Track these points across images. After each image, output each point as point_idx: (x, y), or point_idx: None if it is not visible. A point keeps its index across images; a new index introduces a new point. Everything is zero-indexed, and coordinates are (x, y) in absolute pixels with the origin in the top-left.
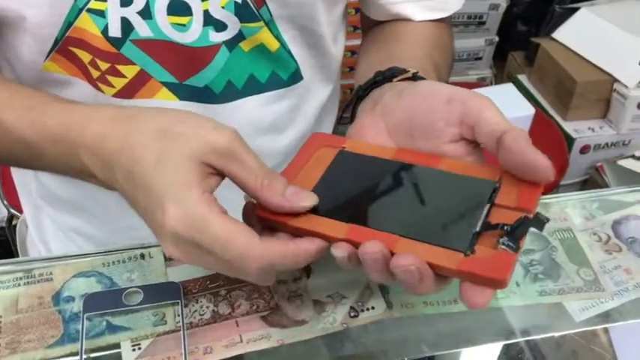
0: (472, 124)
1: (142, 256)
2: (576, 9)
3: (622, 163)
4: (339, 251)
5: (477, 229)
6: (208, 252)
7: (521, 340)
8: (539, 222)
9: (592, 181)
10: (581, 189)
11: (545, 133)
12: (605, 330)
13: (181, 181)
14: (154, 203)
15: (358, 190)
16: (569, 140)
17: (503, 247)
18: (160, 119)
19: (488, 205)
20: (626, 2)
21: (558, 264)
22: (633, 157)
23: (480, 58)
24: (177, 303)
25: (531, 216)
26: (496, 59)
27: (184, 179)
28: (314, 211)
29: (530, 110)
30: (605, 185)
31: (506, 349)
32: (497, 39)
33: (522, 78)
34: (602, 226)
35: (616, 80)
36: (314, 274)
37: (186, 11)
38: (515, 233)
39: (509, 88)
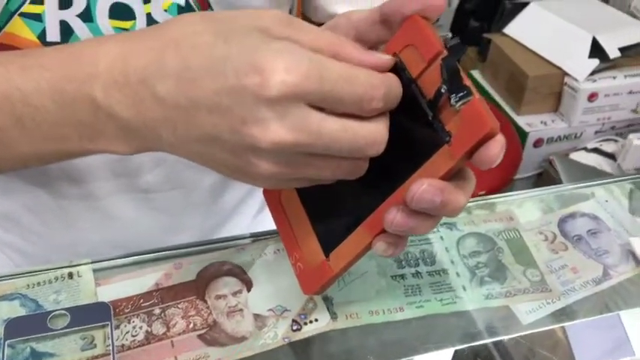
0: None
1: (70, 275)
2: (526, 4)
3: (574, 155)
4: (383, 244)
5: (430, 116)
6: (333, 100)
7: (467, 345)
8: (456, 46)
9: (546, 174)
10: (536, 182)
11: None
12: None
13: (266, 40)
14: (239, 73)
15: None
16: (523, 134)
17: (460, 104)
18: (194, 15)
19: (413, 87)
20: None
21: (505, 265)
22: (585, 149)
23: None
24: (107, 325)
25: (445, 52)
26: None
27: (266, 38)
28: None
29: None
30: (559, 178)
31: (456, 355)
32: (450, 35)
33: (475, 73)
34: (548, 225)
35: (566, 74)
36: (255, 286)
37: (129, 14)
38: (453, 83)
39: None
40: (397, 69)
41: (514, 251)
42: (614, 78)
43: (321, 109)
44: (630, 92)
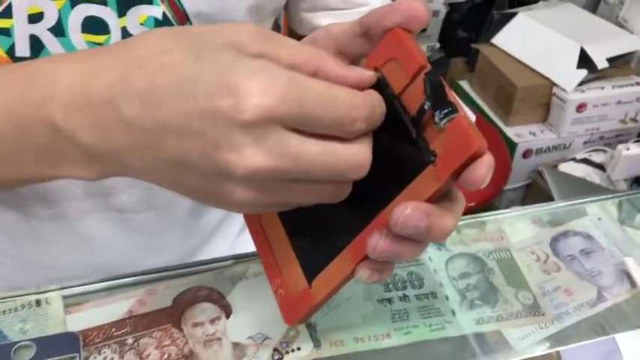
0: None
1: (38, 302)
2: (514, 14)
3: (563, 166)
4: (367, 271)
5: (413, 134)
6: (313, 122)
7: None
8: (439, 61)
9: (535, 184)
10: (525, 193)
11: (488, 140)
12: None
13: (240, 58)
14: (211, 94)
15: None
16: (512, 145)
17: (444, 122)
18: (164, 30)
19: (396, 103)
20: (562, 7)
21: (496, 287)
22: (574, 160)
23: None
24: (75, 357)
25: (428, 67)
26: None
27: (241, 56)
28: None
29: (471, 117)
30: (548, 189)
31: None
32: (438, 45)
33: (464, 84)
34: (540, 244)
35: (555, 84)
36: (234, 312)
37: (103, 29)
38: (436, 99)
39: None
40: (379, 84)
41: (505, 272)
42: (603, 88)
43: (299, 132)
44: (619, 102)
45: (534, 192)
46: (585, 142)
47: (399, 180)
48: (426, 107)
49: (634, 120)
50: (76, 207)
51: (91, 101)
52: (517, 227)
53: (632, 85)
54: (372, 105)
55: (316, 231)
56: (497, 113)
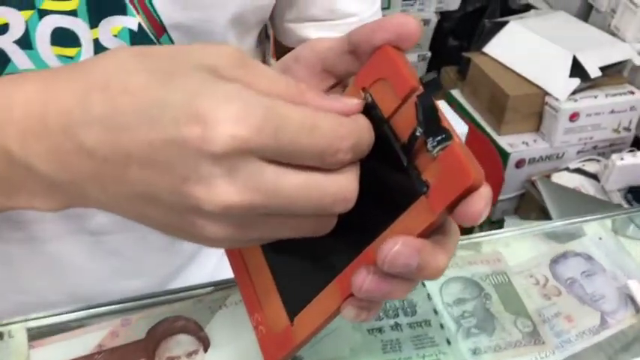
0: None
1: (0, 335)
2: (505, 22)
3: (556, 176)
4: (353, 310)
5: (404, 161)
6: (292, 154)
7: None
8: (432, 82)
9: (528, 195)
10: (518, 204)
11: (480, 150)
12: None
13: (212, 82)
14: (178, 122)
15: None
16: (504, 155)
17: (437, 150)
18: (130, 49)
19: (385, 128)
20: (554, 15)
21: (493, 315)
22: (567, 169)
23: None
24: None
25: (420, 89)
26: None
27: (213, 80)
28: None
29: (463, 128)
30: (542, 199)
31: None
32: (429, 54)
33: (455, 93)
34: (538, 267)
35: (547, 93)
36: (213, 345)
37: (74, 41)
38: (429, 124)
39: (441, 105)
40: (367, 107)
41: (503, 298)
42: (596, 97)
43: (277, 162)
44: (612, 112)
45: (527, 202)
46: (578, 152)
47: (388, 212)
48: (417, 133)
49: (627, 129)
50: (48, 229)
51: (49, 128)
52: (514, 248)
53: (625, 93)
54: (359, 134)
55: (299, 263)
56: (490, 122)
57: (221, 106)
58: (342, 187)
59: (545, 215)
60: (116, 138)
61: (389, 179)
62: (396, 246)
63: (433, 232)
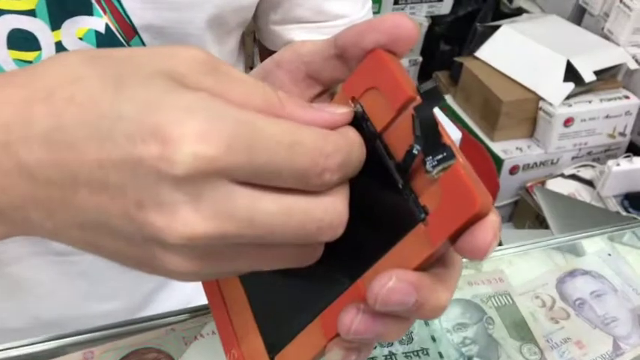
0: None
1: None
2: (498, 27)
3: (551, 183)
4: (340, 351)
5: (399, 183)
6: (269, 175)
7: None
8: (431, 91)
9: (522, 202)
10: (513, 211)
11: (474, 156)
12: None
13: (176, 91)
14: (133, 139)
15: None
16: (498, 161)
17: (438, 171)
18: (80, 53)
19: (378, 144)
20: (547, 19)
21: (496, 341)
22: (562, 175)
23: None
24: None
25: (418, 99)
26: (421, 79)
27: (177, 89)
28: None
29: (457, 134)
30: (537, 206)
31: None
32: (421, 59)
33: (447, 98)
34: (544, 287)
35: (541, 98)
36: None
37: (33, 44)
38: (428, 141)
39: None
40: (357, 119)
41: (507, 322)
42: (590, 102)
43: (252, 184)
44: (607, 116)
45: (522, 210)
46: (573, 158)
47: (381, 241)
48: (415, 151)
49: (622, 134)
50: (12, 250)
51: None
52: (518, 267)
53: (620, 98)
54: (348, 150)
55: (281, 295)
56: (483, 128)
57: (183, 120)
58: (328, 212)
59: (540, 223)
60: (61, 157)
61: (381, 204)
62: (390, 281)
63: (433, 263)
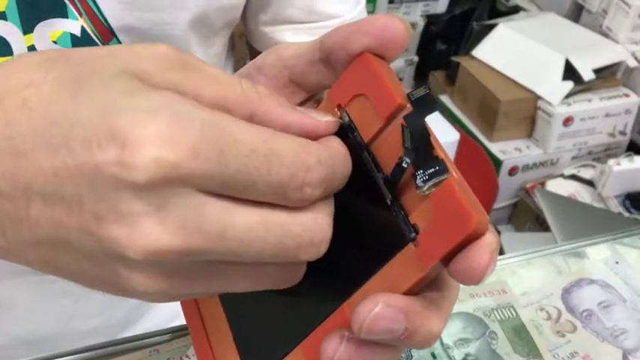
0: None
1: None
2: (494, 25)
3: (551, 183)
4: None
5: (388, 199)
6: (242, 186)
7: None
8: (423, 99)
9: (522, 203)
10: (512, 212)
11: (472, 158)
12: None
13: (138, 91)
14: (89, 144)
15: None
16: (497, 162)
17: (429, 186)
18: (35, 55)
19: (365, 156)
20: (544, 16)
21: (500, 357)
22: (562, 176)
23: (400, 79)
24: None
25: (408, 107)
26: (417, 79)
27: (140, 89)
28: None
29: (455, 135)
30: (537, 207)
31: None
32: (417, 59)
33: (444, 98)
34: (549, 298)
35: (540, 98)
36: None
37: (3, 49)
38: (419, 153)
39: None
40: (343, 129)
41: (510, 336)
42: (590, 101)
43: (225, 196)
44: (607, 115)
45: (522, 211)
46: (573, 158)
47: (368, 262)
48: (404, 164)
49: (623, 133)
50: None
51: None
52: (520, 276)
53: (620, 96)
54: (331, 163)
55: (261, 318)
56: (481, 129)
57: (145, 122)
58: (309, 228)
59: (540, 224)
60: (12, 166)
61: (368, 221)
62: (377, 307)
63: (425, 287)
